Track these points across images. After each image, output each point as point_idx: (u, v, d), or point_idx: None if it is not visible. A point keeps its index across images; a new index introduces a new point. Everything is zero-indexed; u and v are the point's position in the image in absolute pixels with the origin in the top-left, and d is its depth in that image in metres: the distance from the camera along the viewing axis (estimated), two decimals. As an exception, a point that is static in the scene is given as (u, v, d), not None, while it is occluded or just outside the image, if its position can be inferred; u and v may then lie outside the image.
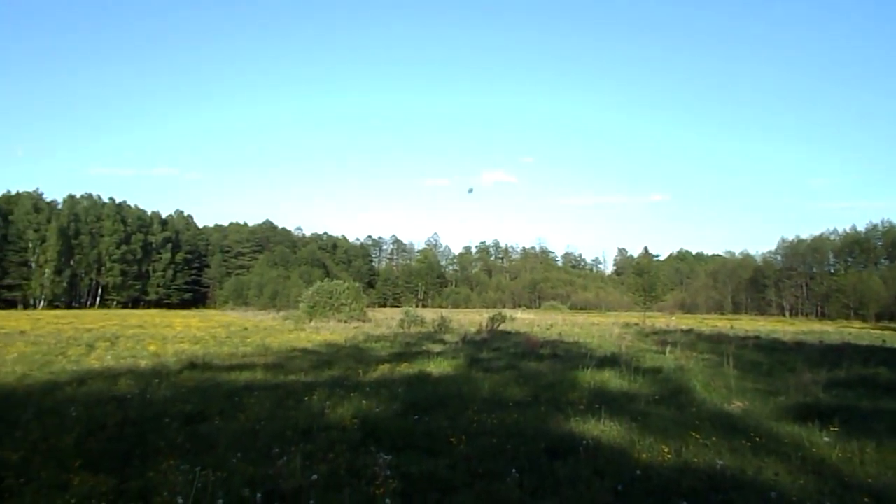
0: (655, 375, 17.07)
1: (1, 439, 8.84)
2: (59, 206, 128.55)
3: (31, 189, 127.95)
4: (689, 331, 43.40)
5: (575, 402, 12.44)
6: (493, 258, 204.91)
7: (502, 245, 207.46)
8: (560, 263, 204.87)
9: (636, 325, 53.67)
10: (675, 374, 17.29)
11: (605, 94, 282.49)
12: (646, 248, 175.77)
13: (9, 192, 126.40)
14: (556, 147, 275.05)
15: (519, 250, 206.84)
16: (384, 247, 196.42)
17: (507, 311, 59.96)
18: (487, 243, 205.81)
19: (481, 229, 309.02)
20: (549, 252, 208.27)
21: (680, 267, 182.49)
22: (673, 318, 77.78)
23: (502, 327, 40.70)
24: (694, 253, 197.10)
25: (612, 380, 16.12)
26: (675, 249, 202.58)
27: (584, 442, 8.94)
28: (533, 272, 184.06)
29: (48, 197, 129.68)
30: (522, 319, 59.11)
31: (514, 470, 7.56)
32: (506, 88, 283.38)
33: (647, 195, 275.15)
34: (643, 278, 79.70)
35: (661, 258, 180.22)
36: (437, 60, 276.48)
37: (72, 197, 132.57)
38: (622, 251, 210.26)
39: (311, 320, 50.72)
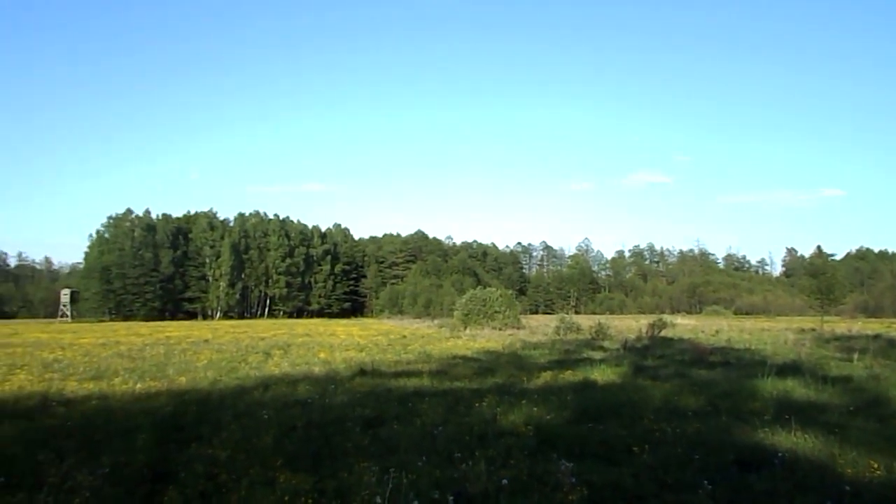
0: (846, 385, 15.78)
1: (210, 439, 9.79)
2: (231, 224, 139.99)
3: (206, 209, 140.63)
4: (877, 336, 39.54)
5: (758, 413, 11.78)
6: (647, 262, 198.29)
7: (657, 248, 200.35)
8: (721, 266, 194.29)
9: (813, 330, 49.68)
10: (868, 384, 15.91)
11: (764, 87, 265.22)
12: (819, 248, 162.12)
13: (188, 212, 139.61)
14: (713, 143, 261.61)
15: (676, 253, 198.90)
16: (534, 253, 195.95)
17: (667, 317, 57.68)
18: (641, 246, 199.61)
19: (634, 232, 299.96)
20: (709, 254, 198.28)
21: (860, 266, 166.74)
22: (857, 322, 71.13)
23: (663, 334, 39.27)
24: (876, 251, 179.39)
25: (796, 389, 15.09)
26: (852, 248, 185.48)
27: (779, 454, 8.43)
28: (692, 275, 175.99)
29: (221, 216, 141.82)
30: (684, 325, 56.70)
31: (705, 481, 7.29)
32: (652, 87, 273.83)
33: (818, 191, 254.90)
34: (818, 279, 73.68)
35: (838, 257, 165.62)
36: (582, 62, 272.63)
37: (241, 215, 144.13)
38: (791, 251, 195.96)
39: (465, 328, 51.60)
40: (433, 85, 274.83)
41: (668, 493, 7.23)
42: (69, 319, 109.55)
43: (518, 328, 52.97)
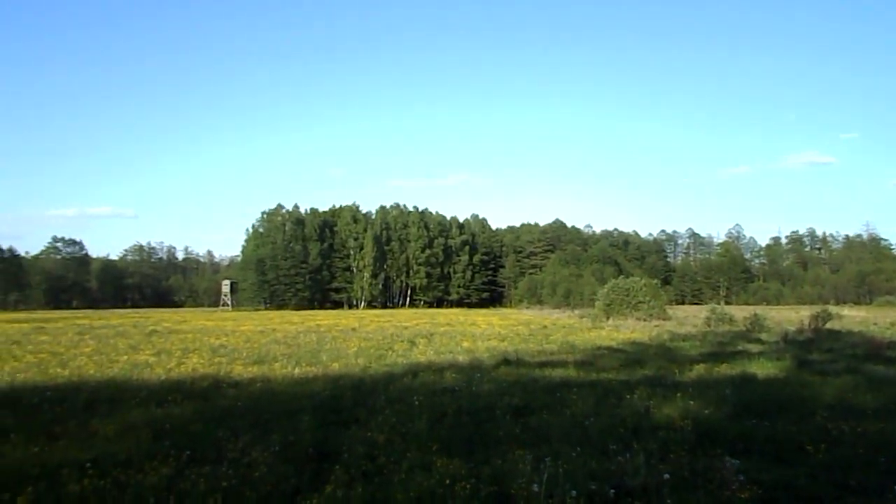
0: None
1: (367, 422, 10.24)
2: (373, 217, 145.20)
3: (349, 203, 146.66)
4: None
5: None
6: (808, 249, 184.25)
7: (819, 234, 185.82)
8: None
9: None
10: None
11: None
12: None
13: (333, 206, 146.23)
14: (885, 118, 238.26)
15: (841, 239, 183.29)
16: (679, 241, 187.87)
17: (832, 308, 53.41)
18: (801, 232, 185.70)
19: (792, 218, 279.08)
20: (882, 239, 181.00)
21: None
22: None
23: (829, 326, 36.45)
24: None
25: None
26: None
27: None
28: (860, 263, 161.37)
29: (364, 209, 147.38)
30: (852, 317, 52.35)
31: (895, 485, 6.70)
32: (811, 58, 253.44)
33: None
34: None
35: None
36: (724, 31, 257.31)
37: (383, 208, 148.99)
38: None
39: (608, 318, 50.52)
40: (571, 73, 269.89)
41: (851, 496, 6.73)
42: (230, 308, 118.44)
43: (664, 319, 51.12)
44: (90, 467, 7.24)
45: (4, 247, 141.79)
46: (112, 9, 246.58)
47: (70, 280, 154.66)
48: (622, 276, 66.26)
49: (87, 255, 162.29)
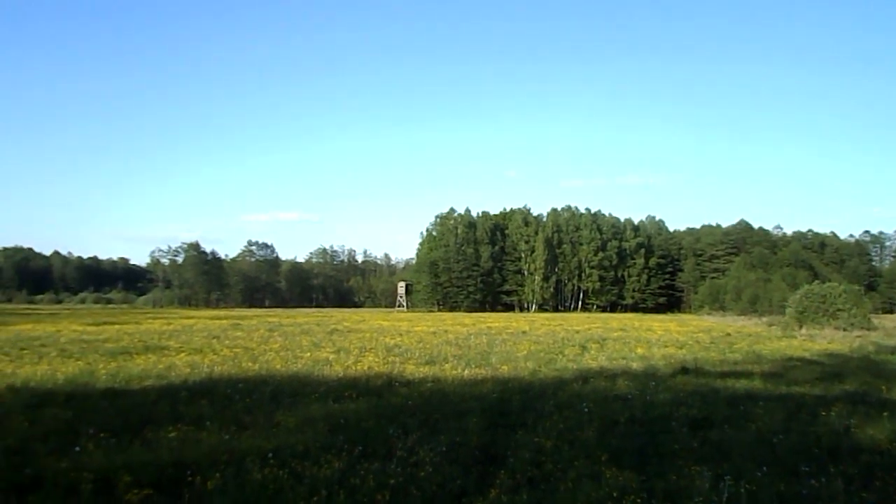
0: None
1: (534, 427, 10.12)
2: (544, 219, 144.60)
3: (520, 205, 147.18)
4: None
5: None
6: None
7: None
8: None
9: None
10: None
11: None
12: None
13: (504, 209, 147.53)
14: None
15: None
16: (888, 243, 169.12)
17: None
18: None
19: None
20: None
21: None
22: None
23: None
24: None
25: None
26: None
27: None
28: None
29: (534, 212, 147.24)
30: None
31: None
32: None
33: None
34: None
35: None
36: None
37: (554, 210, 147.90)
38: None
39: (800, 327, 46.62)
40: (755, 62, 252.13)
41: None
42: (405, 309, 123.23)
43: (868, 329, 46.22)
44: (272, 457, 7.75)
45: (208, 250, 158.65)
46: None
47: (263, 281, 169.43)
48: (817, 282, 60.89)
49: (277, 257, 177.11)
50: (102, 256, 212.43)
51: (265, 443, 8.66)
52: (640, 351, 25.76)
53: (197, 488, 6.80)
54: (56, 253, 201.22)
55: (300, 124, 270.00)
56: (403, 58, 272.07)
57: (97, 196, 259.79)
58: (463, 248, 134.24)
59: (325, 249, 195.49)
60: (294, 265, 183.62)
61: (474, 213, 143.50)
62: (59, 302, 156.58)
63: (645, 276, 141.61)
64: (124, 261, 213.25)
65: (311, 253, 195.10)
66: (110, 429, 9.35)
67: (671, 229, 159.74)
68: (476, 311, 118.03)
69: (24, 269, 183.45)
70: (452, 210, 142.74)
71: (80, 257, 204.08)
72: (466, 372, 17.88)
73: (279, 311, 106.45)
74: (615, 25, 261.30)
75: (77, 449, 8.22)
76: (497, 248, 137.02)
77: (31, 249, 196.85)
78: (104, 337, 30.64)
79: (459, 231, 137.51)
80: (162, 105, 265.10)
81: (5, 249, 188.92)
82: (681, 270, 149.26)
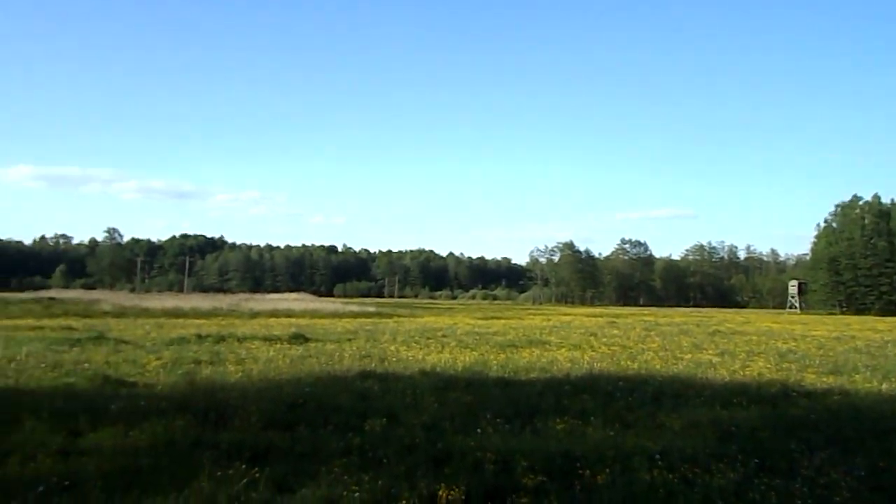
0: None
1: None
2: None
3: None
4: None
5: None
6: None
7: None
8: None
9: None
10: None
11: None
12: None
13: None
14: None
15: None
16: None
17: None
18: None
19: None
20: None
21: None
22: None
23: None
24: None
25: None
26: None
27: None
28: None
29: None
30: None
31: None
32: None
33: None
34: None
35: None
36: None
37: None
38: None
39: None
40: None
41: None
42: (797, 311, 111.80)
43: None
44: (659, 459, 7.63)
45: (581, 249, 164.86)
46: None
47: (636, 279, 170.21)
48: None
49: (651, 255, 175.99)
50: (488, 256, 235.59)
51: (650, 443, 8.57)
52: None
53: (587, 481, 6.99)
54: (451, 254, 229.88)
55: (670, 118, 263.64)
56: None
57: (483, 201, 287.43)
58: (872, 241, 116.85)
59: (702, 246, 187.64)
60: (669, 263, 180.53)
61: (886, 201, 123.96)
62: (454, 298, 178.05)
63: None
64: (507, 260, 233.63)
65: (686, 250, 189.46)
66: (504, 415, 10.19)
67: None
68: (892, 314, 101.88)
69: (426, 269, 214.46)
70: (857, 198, 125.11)
71: (469, 258, 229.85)
72: (884, 386, 15.49)
73: (654, 309, 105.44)
74: None
75: (478, 431, 9.12)
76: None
77: (431, 251, 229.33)
78: (493, 330, 33.75)
79: (867, 222, 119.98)
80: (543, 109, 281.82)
81: (412, 252, 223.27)
82: None
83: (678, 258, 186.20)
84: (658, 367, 18.35)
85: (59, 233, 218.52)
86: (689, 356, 21.70)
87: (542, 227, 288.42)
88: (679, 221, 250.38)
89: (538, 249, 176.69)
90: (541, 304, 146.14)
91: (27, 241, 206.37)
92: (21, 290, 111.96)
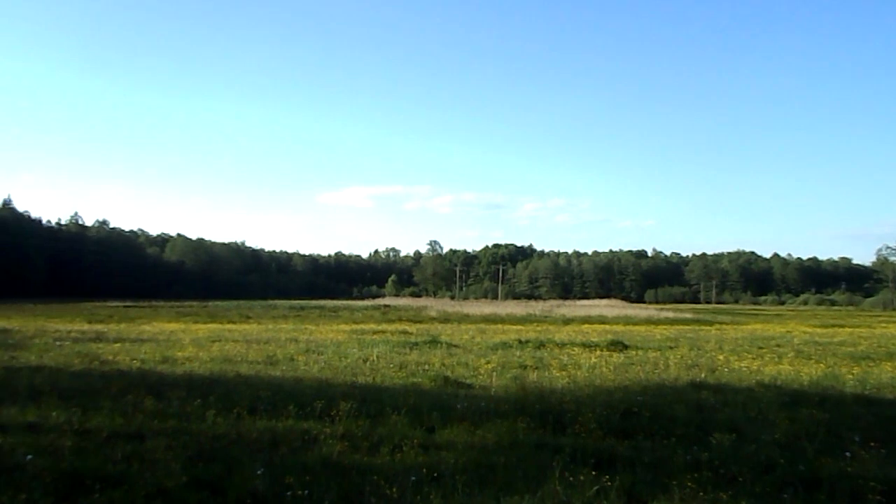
0: None
1: None
2: None
3: None
4: None
5: None
6: None
7: None
8: None
9: None
10: None
11: None
12: None
13: None
14: None
15: None
16: None
17: None
18: None
19: None
20: None
21: None
22: None
23: None
24: None
25: None
26: None
27: None
28: None
29: None
30: None
31: None
32: None
33: None
34: None
35: None
36: None
37: None
38: None
39: None
40: None
41: None
42: None
43: None
44: None
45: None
46: None
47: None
48: None
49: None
50: (822, 257, 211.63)
51: None
52: None
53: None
54: (776, 255, 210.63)
55: None
56: None
57: (814, 196, 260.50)
58: None
59: None
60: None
61: None
62: (782, 303, 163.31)
63: None
64: (846, 260, 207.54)
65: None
66: (875, 438, 8.92)
67: None
68: None
69: (747, 272, 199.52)
70: None
71: (799, 258, 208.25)
72: None
73: None
74: None
75: (847, 454, 8.12)
76: None
77: (752, 253, 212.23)
78: (838, 340, 30.17)
79: None
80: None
81: (729, 254, 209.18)
82: None
83: None
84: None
85: (390, 246, 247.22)
86: None
87: (890, 222, 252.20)
88: None
89: (888, 247, 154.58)
90: (894, 309, 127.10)
91: (364, 255, 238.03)
92: (361, 298, 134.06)
